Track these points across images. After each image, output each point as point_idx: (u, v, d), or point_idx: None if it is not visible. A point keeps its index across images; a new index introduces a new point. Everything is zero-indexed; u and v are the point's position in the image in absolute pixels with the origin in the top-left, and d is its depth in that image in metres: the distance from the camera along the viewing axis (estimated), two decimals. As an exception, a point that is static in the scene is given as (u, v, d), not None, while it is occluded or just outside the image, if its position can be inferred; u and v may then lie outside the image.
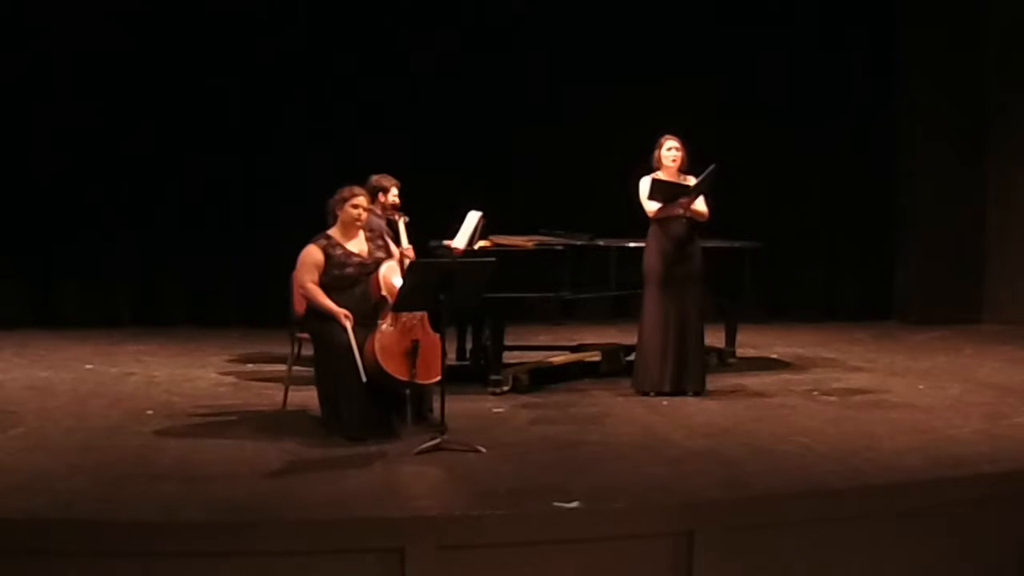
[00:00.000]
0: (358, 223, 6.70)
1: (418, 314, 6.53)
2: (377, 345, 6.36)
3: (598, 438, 6.62)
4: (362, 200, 6.72)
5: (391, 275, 6.61)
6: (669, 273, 7.75)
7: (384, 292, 6.55)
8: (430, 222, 8.48)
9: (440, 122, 9.91)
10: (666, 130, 7.91)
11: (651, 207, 7.76)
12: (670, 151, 7.80)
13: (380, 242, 6.84)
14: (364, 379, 6.24)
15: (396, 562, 4.81)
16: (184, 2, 10.67)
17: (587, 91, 11.04)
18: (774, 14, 11.55)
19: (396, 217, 7.09)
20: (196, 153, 10.69)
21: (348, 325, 6.40)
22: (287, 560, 4.83)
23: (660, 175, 7.80)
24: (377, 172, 8.36)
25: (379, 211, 7.55)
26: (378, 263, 6.67)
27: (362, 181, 8.15)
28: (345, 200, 6.68)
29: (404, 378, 6.36)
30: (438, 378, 6.42)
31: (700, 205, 7.81)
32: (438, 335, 6.54)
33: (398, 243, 6.89)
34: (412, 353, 6.38)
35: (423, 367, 6.40)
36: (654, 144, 7.85)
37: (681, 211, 7.74)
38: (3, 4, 10.24)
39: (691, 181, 7.77)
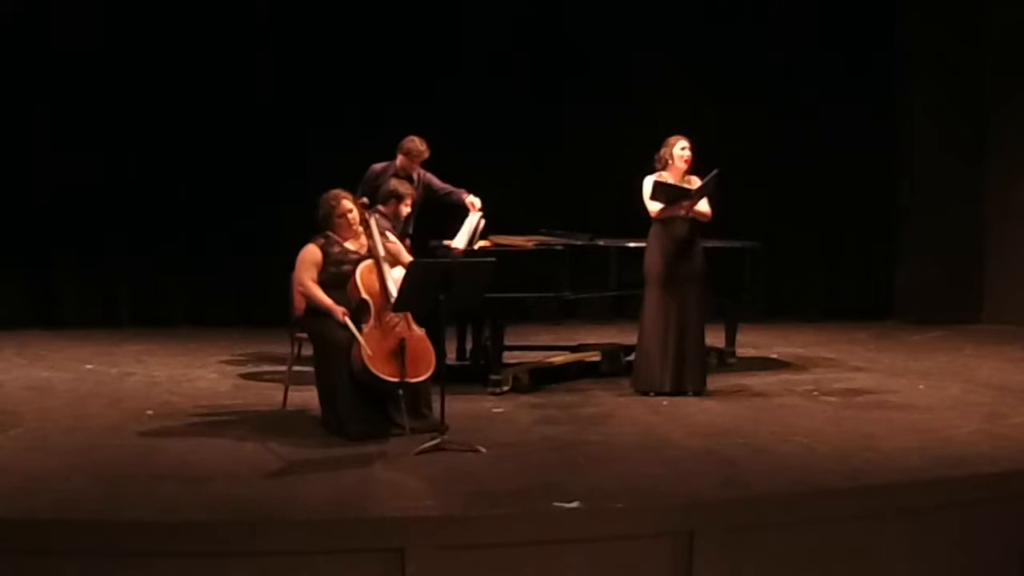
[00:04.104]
0: (354, 226, 6.74)
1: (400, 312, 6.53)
2: (363, 350, 6.36)
3: (598, 438, 6.61)
4: (349, 204, 6.76)
5: (366, 275, 6.57)
6: (670, 273, 7.75)
7: (364, 295, 6.53)
8: (430, 222, 8.50)
9: (440, 122, 9.90)
10: (675, 130, 7.91)
11: (653, 207, 7.76)
12: (684, 151, 7.78)
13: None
14: (366, 352, 6.27)
15: (396, 562, 4.81)
16: (183, 3, 10.67)
17: (587, 90, 11.04)
18: (774, 13, 11.55)
19: (367, 216, 6.86)
20: (196, 153, 10.68)
21: (345, 320, 6.41)
22: (287, 560, 4.83)
23: (665, 175, 7.80)
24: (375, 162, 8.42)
25: (389, 214, 7.53)
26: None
27: (359, 180, 8.20)
28: (341, 215, 6.71)
29: (394, 378, 6.35)
30: (430, 373, 6.43)
31: (703, 206, 7.81)
32: (424, 330, 6.55)
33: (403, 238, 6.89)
34: (399, 353, 6.36)
35: (412, 364, 6.39)
36: (661, 143, 7.84)
37: (683, 212, 7.74)
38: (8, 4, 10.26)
39: (695, 182, 7.77)
